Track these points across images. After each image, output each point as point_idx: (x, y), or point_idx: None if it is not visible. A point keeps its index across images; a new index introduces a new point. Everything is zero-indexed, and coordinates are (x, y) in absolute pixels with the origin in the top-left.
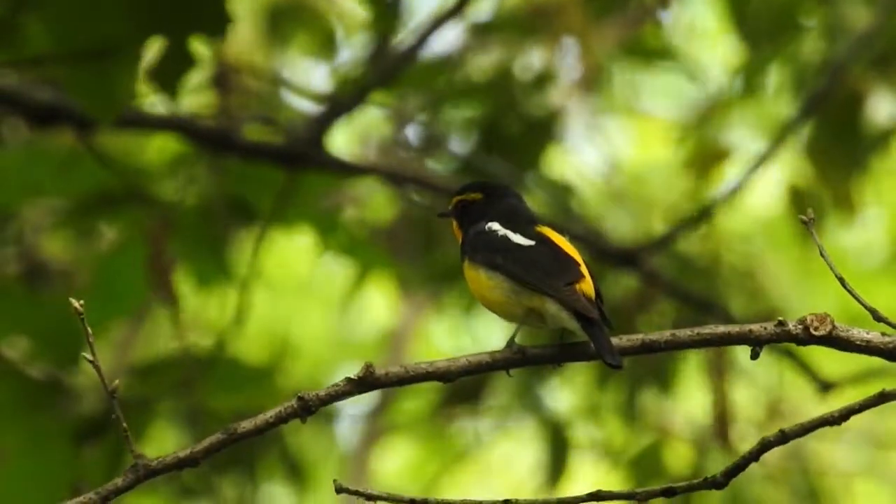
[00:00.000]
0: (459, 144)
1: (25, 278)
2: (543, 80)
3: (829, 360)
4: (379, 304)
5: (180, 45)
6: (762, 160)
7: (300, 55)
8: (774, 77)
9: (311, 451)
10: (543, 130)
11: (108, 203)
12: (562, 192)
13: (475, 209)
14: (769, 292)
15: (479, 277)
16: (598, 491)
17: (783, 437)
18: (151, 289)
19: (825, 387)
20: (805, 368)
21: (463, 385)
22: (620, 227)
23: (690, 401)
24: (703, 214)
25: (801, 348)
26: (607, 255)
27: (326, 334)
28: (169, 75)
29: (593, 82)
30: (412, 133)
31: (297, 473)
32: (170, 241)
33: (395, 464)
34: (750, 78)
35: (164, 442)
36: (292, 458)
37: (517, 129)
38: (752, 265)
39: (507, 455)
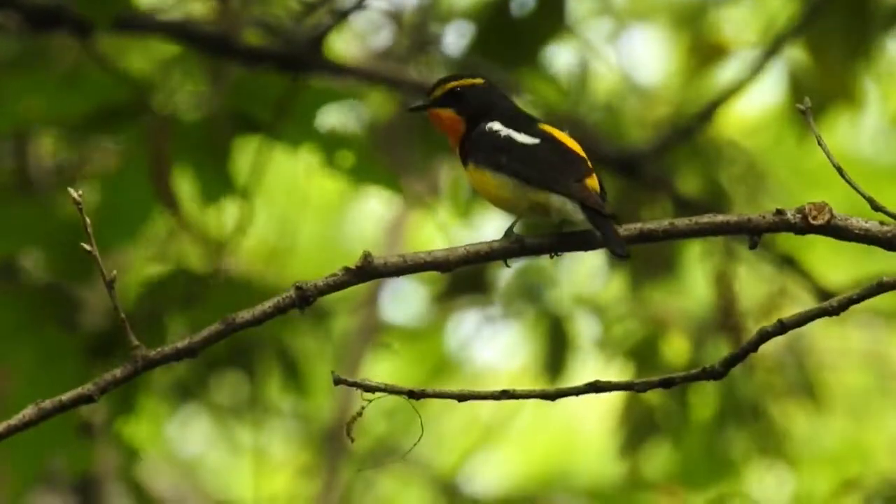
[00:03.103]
0: (457, 41)
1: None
2: None
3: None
4: (378, 208)
5: None
6: (768, 54)
7: None
8: None
9: (307, 351)
10: (554, 9)
11: (113, 116)
12: (565, 89)
13: (477, 95)
14: (771, 189)
15: (484, 178)
16: (596, 381)
17: (781, 328)
18: (155, 196)
19: (825, 296)
20: (805, 276)
21: (463, 277)
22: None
23: (691, 294)
24: (702, 118)
25: (803, 250)
26: (607, 161)
27: (324, 241)
28: None
29: None
30: (409, 36)
31: (294, 372)
32: (171, 150)
33: (390, 363)
34: None
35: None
36: (290, 356)
37: (526, 10)
38: (754, 163)
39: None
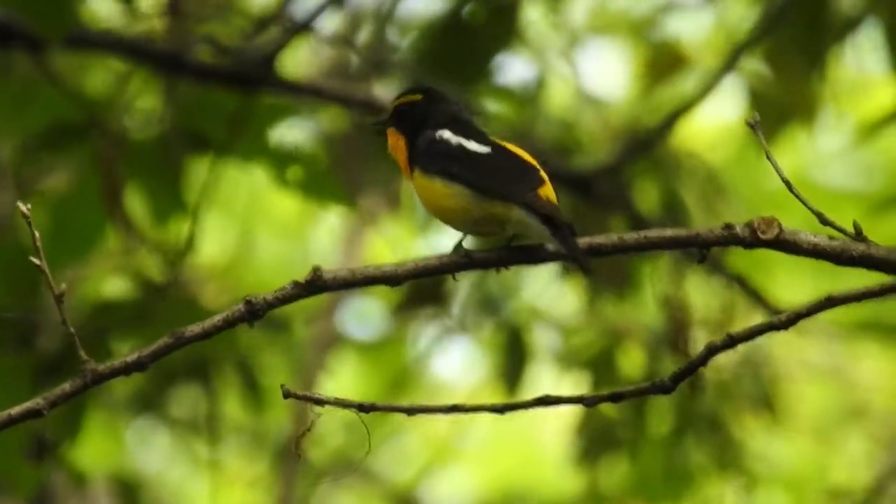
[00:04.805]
0: (410, 57)
1: None
2: None
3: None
4: (336, 223)
5: None
6: (727, 66)
7: None
8: None
9: (265, 363)
10: (508, 16)
11: (65, 135)
12: (519, 102)
13: (416, 112)
14: (731, 203)
15: (433, 187)
16: (546, 396)
17: (730, 341)
18: (107, 214)
19: (775, 314)
20: (755, 296)
21: (421, 289)
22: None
23: (648, 306)
24: (661, 130)
25: (767, 266)
26: (559, 178)
27: (283, 257)
28: None
29: None
30: (362, 54)
31: (252, 385)
32: (123, 168)
33: (347, 375)
34: None
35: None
36: (248, 370)
37: (480, 18)
38: (714, 176)
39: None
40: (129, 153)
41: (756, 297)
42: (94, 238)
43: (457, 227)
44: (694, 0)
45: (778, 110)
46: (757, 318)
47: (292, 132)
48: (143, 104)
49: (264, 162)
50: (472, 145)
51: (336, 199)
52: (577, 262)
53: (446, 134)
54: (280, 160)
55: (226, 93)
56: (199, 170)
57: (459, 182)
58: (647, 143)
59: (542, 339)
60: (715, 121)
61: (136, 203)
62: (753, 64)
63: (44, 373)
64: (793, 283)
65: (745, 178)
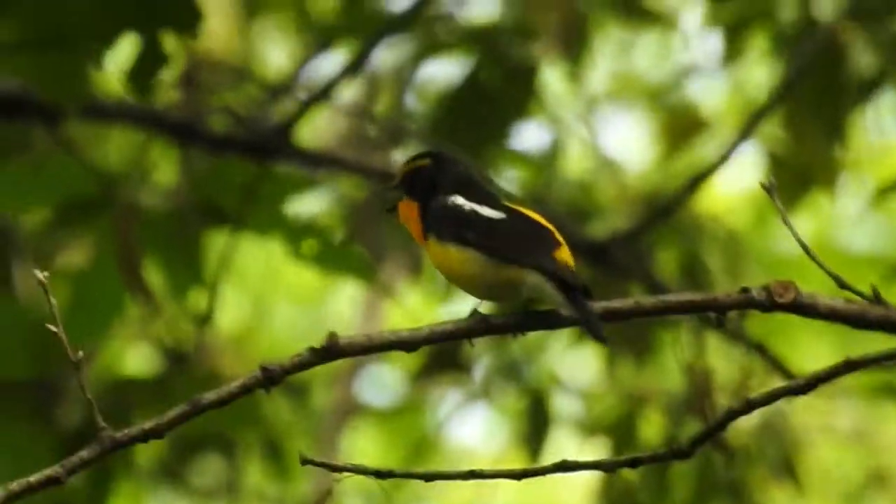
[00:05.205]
0: (427, 123)
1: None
2: (525, 31)
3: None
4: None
5: (153, 42)
6: (746, 130)
7: (275, 41)
8: (753, 39)
9: (286, 428)
10: (525, 80)
11: (82, 209)
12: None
13: (425, 177)
14: (752, 269)
15: (447, 253)
16: (564, 461)
17: (749, 406)
18: (125, 287)
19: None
20: (774, 362)
21: (440, 355)
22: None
23: (669, 370)
24: (681, 196)
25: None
26: (577, 247)
27: (301, 323)
28: (142, 73)
29: (573, 38)
30: (379, 122)
31: (275, 452)
32: (140, 240)
33: (366, 441)
34: (729, 40)
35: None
36: (270, 435)
37: (498, 81)
38: (735, 240)
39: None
40: (145, 226)
41: (774, 364)
42: (114, 312)
43: (472, 293)
44: (711, 64)
45: (797, 174)
46: (776, 383)
47: (308, 203)
48: (159, 175)
49: (280, 235)
50: (486, 210)
51: (353, 272)
52: (590, 328)
53: (459, 199)
54: (295, 233)
55: (241, 163)
56: (215, 242)
57: (473, 248)
58: (667, 209)
59: (563, 405)
60: (735, 186)
61: (153, 275)
62: (772, 128)
63: (65, 445)
64: (813, 347)
65: (766, 243)
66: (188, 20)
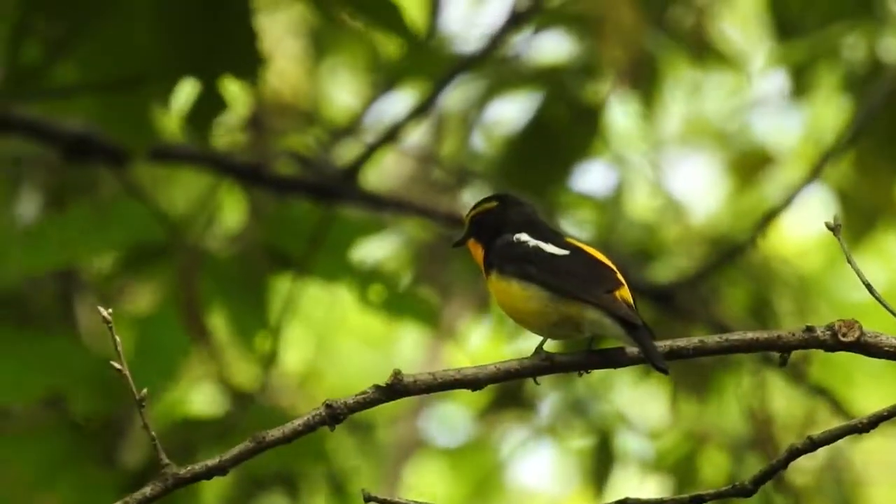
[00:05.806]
0: (493, 167)
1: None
2: (592, 70)
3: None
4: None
5: (213, 86)
6: (815, 171)
7: (343, 82)
8: (822, 76)
9: (349, 468)
10: (591, 119)
11: (148, 255)
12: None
13: (491, 219)
14: (822, 310)
15: (510, 289)
16: (627, 499)
17: (812, 445)
18: (188, 333)
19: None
20: (836, 405)
21: (505, 393)
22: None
23: (731, 411)
24: (750, 238)
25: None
26: (641, 291)
27: (366, 364)
28: (201, 116)
29: (641, 76)
30: (446, 167)
31: (339, 489)
32: (205, 286)
33: (431, 479)
34: (798, 78)
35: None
36: (336, 473)
37: (565, 120)
38: (804, 283)
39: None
40: (211, 269)
41: (836, 405)
42: (179, 357)
43: (533, 330)
44: (779, 102)
45: (866, 215)
46: (838, 423)
47: (374, 246)
48: (226, 218)
49: (346, 281)
50: (549, 247)
51: (418, 318)
52: (655, 364)
53: (523, 237)
54: (361, 280)
55: (307, 206)
56: (280, 286)
57: (535, 283)
58: (735, 250)
59: (628, 443)
60: (805, 229)
61: (219, 318)
62: (841, 168)
63: (130, 483)
64: (872, 391)
65: (836, 287)
66: (250, 65)
